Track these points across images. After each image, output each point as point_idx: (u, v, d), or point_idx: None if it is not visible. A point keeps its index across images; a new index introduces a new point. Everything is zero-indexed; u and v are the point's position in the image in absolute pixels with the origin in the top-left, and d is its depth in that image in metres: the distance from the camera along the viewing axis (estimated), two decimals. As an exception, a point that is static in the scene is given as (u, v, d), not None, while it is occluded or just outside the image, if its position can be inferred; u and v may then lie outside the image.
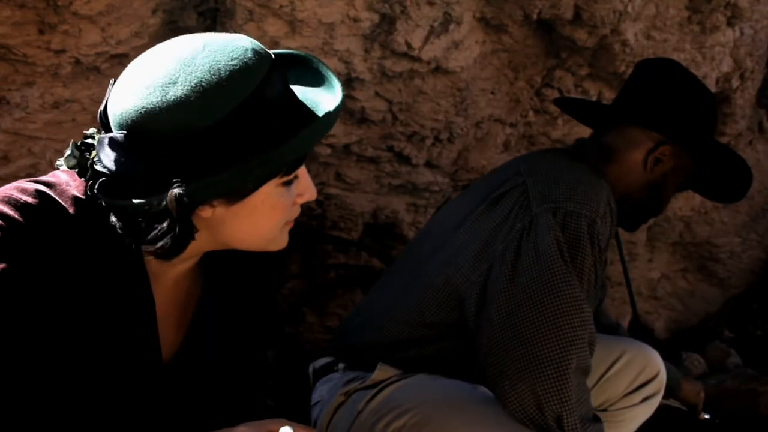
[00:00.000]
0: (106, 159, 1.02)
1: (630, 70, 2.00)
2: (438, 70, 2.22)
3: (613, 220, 1.71)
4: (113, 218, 1.04)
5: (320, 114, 1.08)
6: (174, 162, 1.00)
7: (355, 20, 2.02)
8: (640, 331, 2.52)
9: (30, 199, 1.05)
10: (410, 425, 1.58)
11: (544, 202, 1.65)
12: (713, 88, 2.69)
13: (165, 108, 0.99)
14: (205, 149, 1.00)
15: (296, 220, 1.19)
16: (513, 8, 2.20)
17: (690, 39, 2.47)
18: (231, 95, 1.00)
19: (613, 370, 1.91)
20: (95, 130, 1.07)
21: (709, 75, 2.62)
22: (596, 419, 1.60)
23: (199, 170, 1.00)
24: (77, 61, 1.83)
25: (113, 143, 1.02)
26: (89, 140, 1.07)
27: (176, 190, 0.98)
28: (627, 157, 1.82)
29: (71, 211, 1.07)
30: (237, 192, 1.05)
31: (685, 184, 1.91)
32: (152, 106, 1.00)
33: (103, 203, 1.04)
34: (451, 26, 2.14)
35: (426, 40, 2.13)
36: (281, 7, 1.92)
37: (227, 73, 1.01)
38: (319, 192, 2.50)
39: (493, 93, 2.43)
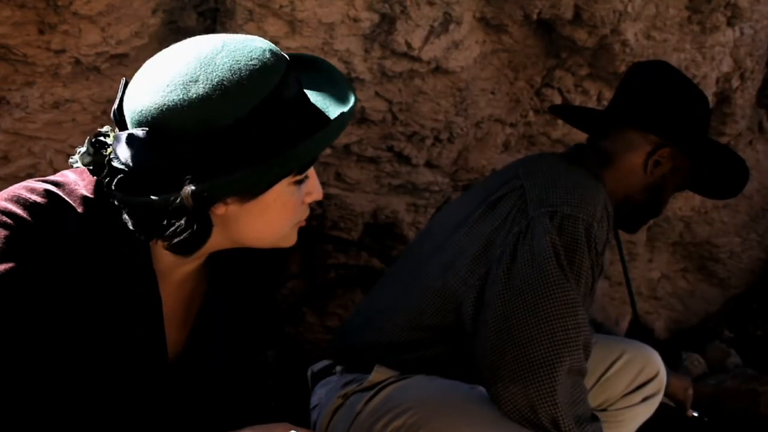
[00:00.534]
0: (124, 156, 1.03)
1: (630, 65, 2.01)
2: (438, 70, 2.22)
3: (610, 224, 1.71)
4: (126, 215, 1.05)
5: (331, 116, 1.10)
6: (194, 159, 1.01)
7: (355, 20, 2.02)
8: (640, 331, 2.52)
9: (39, 199, 1.06)
10: (409, 425, 1.58)
11: (541, 205, 1.65)
12: (713, 88, 2.69)
13: (187, 105, 1.00)
14: (225, 147, 1.01)
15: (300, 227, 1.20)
16: (513, 8, 2.20)
17: (690, 39, 2.47)
18: (251, 94, 1.02)
19: (612, 370, 1.91)
20: (109, 128, 1.07)
21: (709, 75, 2.62)
22: (594, 419, 1.60)
23: (218, 168, 1.01)
24: (77, 61, 1.83)
25: (133, 140, 1.02)
26: (102, 138, 1.07)
27: (194, 187, 0.99)
28: (625, 161, 1.83)
29: (80, 210, 1.07)
30: (252, 190, 1.07)
31: (684, 184, 1.92)
32: (174, 103, 1.01)
33: (116, 201, 1.05)
34: (451, 26, 2.14)
35: (426, 40, 2.13)
36: (281, 7, 1.92)
37: (247, 72, 1.02)
38: (321, 193, 2.50)
39: (493, 93, 2.43)
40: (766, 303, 3.44)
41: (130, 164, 1.02)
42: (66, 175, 1.12)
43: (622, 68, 2.40)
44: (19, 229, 1.03)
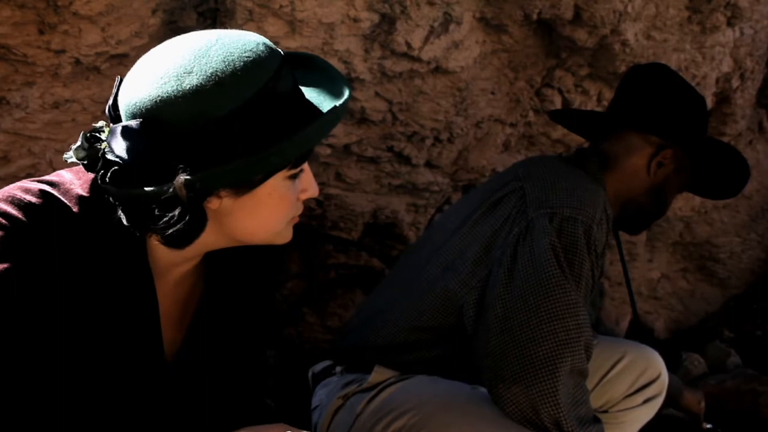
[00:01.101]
0: (119, 148, 1.02)
1: (628, 69, 2.02)
2: (438, 70, 2.22)
3: (609, 226, 1.72)
4: (120, 211, 1.05)
5: (325, 110, 1.09)
6: (188, 150, 1.01)
7: (355, 20, 2.02)
8: (640, 332, 2.52)
9: (34, 199, 1.05)
10: (410, 426, 1.58)
11: (541, 207, 1.65)
12: (713, 88, 2.69)
13: (181, 97, 1.00)
14: (219, 138, 1.01)
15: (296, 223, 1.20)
16: (513, 8, 2.20)
17: (690, 39, 2.47)
18: (245, 85, 1.02)
19: (614, 372, 1.91)
20: (104, 123, 1.07)
21: (709, 75, 2.62)
22: (596, 420, 1.60)
23: (212, 159, 1.01)
24: (77, 61, 1.83)
25: (127, 132, 1.02)
26: (97, 133, 1.07)
27: (187, 177, 0.99)
28: (627, 163, 1.83)
29: (75, 209, 1.07)
30: (246, 182, 1.06)
31: (686, 185, 1.92)
32: (168, 95, 1.01)
33: (110, 196, 1.05)
34: (451, 26, 2.14)
35: (426, 40, 2.13)
36: (281, 7, 1.92)
37: (242, 64, 1.02)
38: (320, 192, 2.50)
39: (493, 93, 2.43)
40: (766, 303, 3.44)
41: (125, 156, 1.02)
42: (61, 175, 1.12)
43: (622, 68, 2.40)
44: (14, 229, 1.03)
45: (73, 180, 1.10)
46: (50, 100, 1.88)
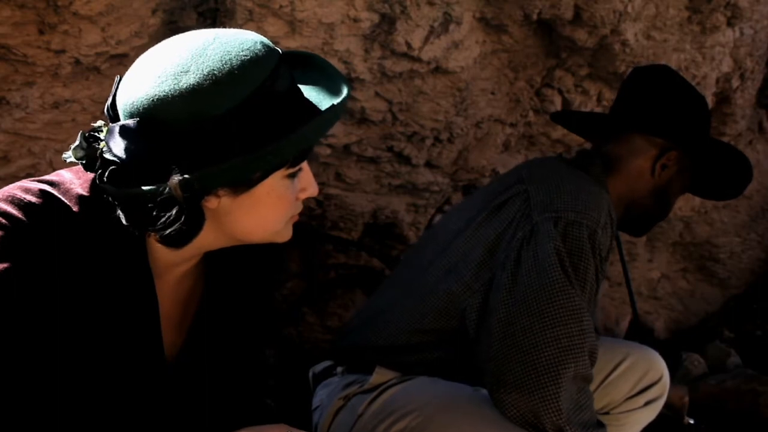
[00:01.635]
0: (116, 147, 1.03)
1: (630, 71, 2.02)
2: (438, 70, 2.22)
3: (613, 230, 1.71)
4: (119, 210, 1.05)
5: (324, 108, 1.09)
6: (185, 149, 1.01)
7: (355, 20, 2.02)
8: (640, 332, 2.52)
9: (34, 199, 1.05)
10: (411, 427, 1.58)
11: (546, 211, 1.65)
12: (713, 88, 2.69)
13: (177, 96, 1.00)
14: (216, 137, 1.01)
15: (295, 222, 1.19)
16: (513, 8, 2.20)
17: (690, 39, 2.47)
18: (242, 84, 1.02)
19: (615, 374, 1.91)
20: (102, 123, 1.07)
21: (709, 75, 2.62)
22: (600, 425, 1.60)
23: (209, 158, 1.01)
24: (77, 61, 1.83)
25: (124, 131, 1.02)
26: (96, 132, 1.07)
27: (182, 177, 0.99)
28: (631, 166, 1.83)
29: (75, 209, 1.07)
30: (244, 181, 1.06)
31: (689, 186, 1.92)
32: (164, 94, 1.01)
33: (110, 196, 1.05)
34: (451, 26, 2.14)
35: (426, 40, 2.13)
36: (281, 7, 1.92)
37: (239, 62, 1.02)
38: (319, 192, 2.49)
39: (493, 93, 2.43)
40: (766, 303, 3.44)
41: (122, 156, 1.02)
42: (61, 175, 1.12)
43: (622, 68, 2.40)
44: (14, 229, 1.03)
45: (73, 179, 1.10)
46: (50, 100, 1.88)
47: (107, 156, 1.03)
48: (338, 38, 2.04)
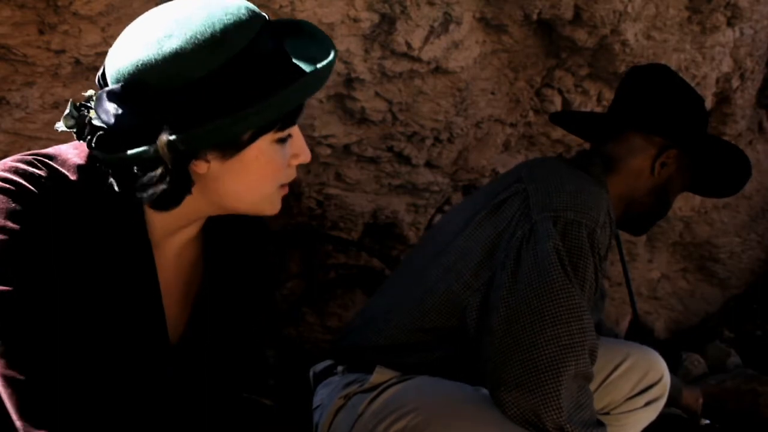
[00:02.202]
0: (104, 114, 1.05)
1: (627, 70, 2.02)
2: (438, 70, 2.22)
3: (612, 229, 1.72)
4: (111, 178, 1.07)
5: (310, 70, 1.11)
6: (170, 112, 1.03)
7: (355, 20, 2.02)
8: (640, 332, 2.52)
9: (36, 170, 1.08)
10: (411, 427, 1.58)
11: (545, 210, 1.65)
12: (713, 88, 2.69)
13: (161, 59, 1.03)
14: (199, 99, 1.03)
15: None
16: (513, 8, 2.20)
17: (690, 39, 2.47)
18: (224, 47, 1.04)
19: (616, 374, 1.90)
20: (93, 92, 1.09)
21: (709, 75, 2.62)
22: (600, 424, 1.60)
23: (194, 120, 1.03)
24: (77, 61, 1.83)
25: (111, 95, 1.05)
26: (88, 103, 1.09)
27: (167, 137, 1.01)
28: (631, 164, 1.83)
29: (74, 178, 1.10)
30: (231, 144, 1.08)
31: (688, 184, 1.93)
32: (148, 58, 1.03)
33: (100, 163, 1.07)
34: (451, 26, 2.14)
35: (426, 40, 2.13)
36: (281, 7, 1.92)
37: (221, 26, 1.04)
38: (319, 192, 2.50)
39: (493, 93, 2.43)
40: (766, 303, 3.44)
41: (110, 121, 1.04)
42: (59, 148, 1.14)
43: (622, 68, 2.40)
44: (23, 196, 1.05)
45: (70, 150, 1.13)
46: (50, 100, 1.88)
47: (95, 122, 1.06)
48: (338, 38, 2.04)
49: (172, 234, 1.18)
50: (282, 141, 1.13)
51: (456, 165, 2.58)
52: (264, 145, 1.10)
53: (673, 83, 1.87)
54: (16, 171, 1.07)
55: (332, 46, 1.13)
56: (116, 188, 1.07)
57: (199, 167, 1.08)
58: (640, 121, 1.84)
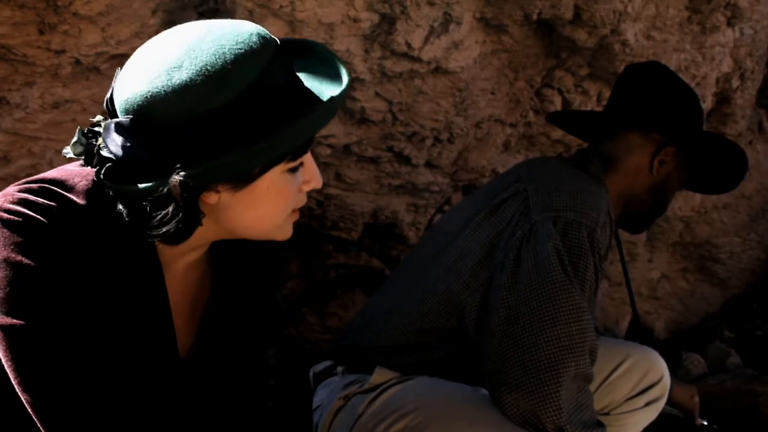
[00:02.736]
0: (113, 145, 1.03)
1: (623, 69, 2.02)
2: (438, 70, 2.22)
3: (612, 229, 1.72)
4: (120, 206, 1.05)
5: (324, 99, 1.08)
6: (179, 146, 1.01)
7: (355, 20, 2.02)
8: (640, 332, 2.52)
9: (45, 201, 1.06)
10: (411, 427, 1.57)
11: (545, 210, 1.65)
12: (713, 88, 2.69)
13: (170, 92, 1.00)
14: (210, 133, 1.01)
15: (296, 221, 1.19)
16: (513, 8, 2.20)
17: (690, 39, 2.47)
18: (236, 79, 1.01)
19: (615, 374, 1.91)
20: (101, 117, 1.07)
21: (709, 75, 2.62)
22: (600, 425, 1.59)
23: (204, 154, 1.00)
24: (77, 62, 1.83)
25: (119, 128, 1.02)
26: (96, 128, 1.07)
27: (178, 176, 0.99)
28: (629, 163, 1.83)
29: (82, 203, 1.08)
30: (242, 177, 1.06)
31: (686, 181, 1.93)
32: (157, 90, 1.00)
33: (109, 191, 1.05)
34: (451, 26, 2.14)
35: (426, 40, 2.13)
36: (281, 7, 1.92)
37: (232, 56, 1.01)
38: (319, 192, 2.50)
39: (493, 93, 2.43)
40: (766, 303, 3.44)
41: (118, 153, 1.02)
42: (65, 171, 1.12)
43: (622, 68, 2.40)
44: (31, 227, 1.04)
45: (76, 172, 1.11)
46: (50, 100, 1.88)
47: (104, 153, 1.03)
48: (338, 38, 2.04)
49: (182, 256, 1.17)
50: (293, 170, 1.11)
51: (456, 165, 2.58)
52: (275, 175, 1.08)
53: (669, 81, 1.87)
54: (24, 202, 1.05)
55: (345, 70, 1.10)
56: (125, 217, 1.05)
57: (210, 198, 1.06)
58: (637, 119, 1.84)
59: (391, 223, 2.65)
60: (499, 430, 1.54)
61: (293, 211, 1.16)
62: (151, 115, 1.01)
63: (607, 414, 1.91)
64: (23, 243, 1.04)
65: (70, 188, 1.09)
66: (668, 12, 2.36)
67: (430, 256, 1.79)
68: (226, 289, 1.26)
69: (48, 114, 1.91)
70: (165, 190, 0.99)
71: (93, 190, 1.09)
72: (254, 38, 1.04)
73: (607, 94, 2.54)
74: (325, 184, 2.47)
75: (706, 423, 2.30)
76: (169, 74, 1.00)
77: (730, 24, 2.49)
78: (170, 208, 1.01)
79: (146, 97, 1.01)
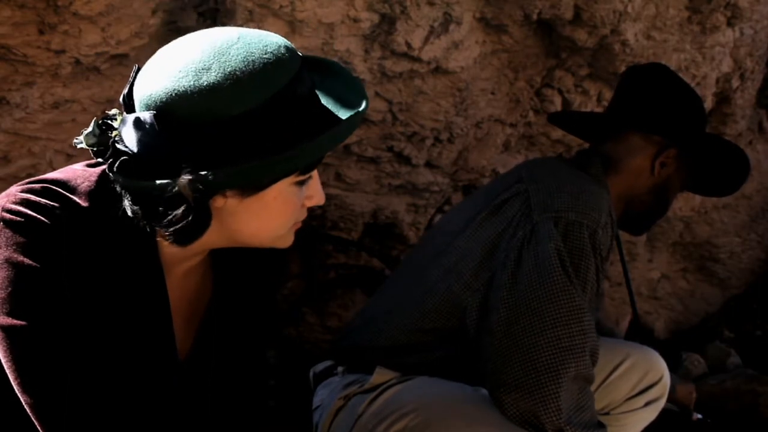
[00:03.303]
0: (129, 138, 1.02)
1: (625, 70, 2.02)
2: (438, 70, 2.22)
3: (613, 229, 1.72)
4: (126, 201, 1.05)
5: (342, 117, 1.08)
6: (198, 147, 1.01)
7: (355, 20, 2.02)
8: (640, 332, 2.52)
9: (48, 201, 1.06)
10: (411, 427, 1.58)
11: (546, 210, 1.65)
12: (713, 88, 2.69)
13: (197, 92, 1.00)
14: (230, 138, 1.01)
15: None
16: (513, 8, 2.20)
17: (690, 39, 2.47)
18: (263, 87, 1.01)
19: (616, 374, 1.90)
20: (117, 111, 1.06)
21: (709, 75, 2.62)
22: (600, 425, 1.59)
23: (222, 158, 1.00)
24: (77, 62, 1.83)
25: (139, 123, 1.02)
26: (110, 120, 1.06)
27: (193, 177, 0.99)
28: (630, 164, 1.83)
29: (85, 205, 1.08)
30: (254, 185, 1.06)
31: (687, 182, 1.93)
32: (184, 89, 1.00)
33: (118, 186, 1.05)
34: (451, 26, 2.14)
35: (426, 40, 2.13)
36: (281, 7, 1.92)
37: (261, 65, 1.02)
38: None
39: (493, 93, 2.43)
40: (766, 303, 3.44)
41: (135, 147, 1.02)
42: (67, 172, 1.12)
43: (622, 68, 2.40)
44: (34, 228, 1.04)
45: (78, 173, 1.11)
46: (50, 100, 1.88)
47: (119, 146, 1.03)
48: (338, 38, 2.04)
49: (182, 261, 1.17)
50: (301, 183, 1.11)
51: (456, 165, 2.58)
52: (284, 186, 1.09)
53: (671, 82, 1.87)
54: (27, 203, 1.05)
55: (362, 90, 1.11)
56: (129, 213, 1.05)
57: (217, 201, 1.06)
58: (639, 120, 1.84)
59: (391, 223, 2.65)
60: (499, 430, 1.54)
61: (295, 223, 1.16)
62: (174, 113, 1.00)
63: (607, 414, 1.91)
64: (25, 243, 1.04)
65: (72, 189, 1.08)
66: (668, 12, 2.36)
67: (431, 257, 1.79)
68: (227, 291, 1.26)
69: (48, 114, 1.91)
70: (177, 189, 0.99)
71: (95, 192, 1.09)
72: (282, 50, 1.05)
73: (607, 94, 2.54)
74: (325, 184, 2.47)
75: (701, 416, 2.30)
76: (196, 75, 1.00)
77: (730, 24, 2.49)
78: (181, 209, 1.02)
79: (171, 94, 1.01)
